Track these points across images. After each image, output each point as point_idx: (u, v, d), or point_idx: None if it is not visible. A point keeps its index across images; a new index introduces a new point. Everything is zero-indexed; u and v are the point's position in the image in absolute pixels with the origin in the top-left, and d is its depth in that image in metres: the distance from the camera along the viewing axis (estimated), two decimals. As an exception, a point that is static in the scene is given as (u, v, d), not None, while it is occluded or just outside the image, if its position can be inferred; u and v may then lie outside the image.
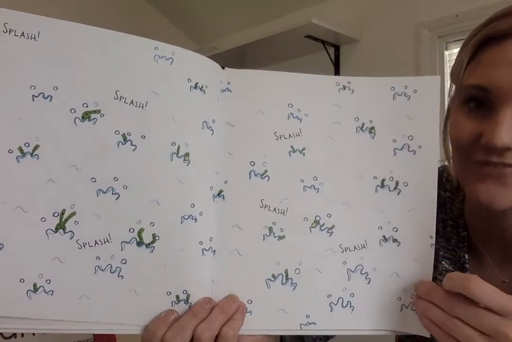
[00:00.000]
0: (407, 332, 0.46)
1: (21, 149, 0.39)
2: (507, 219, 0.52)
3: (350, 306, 0.46)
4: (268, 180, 0.46)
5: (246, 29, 2.53)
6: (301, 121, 0.47)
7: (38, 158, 0.39)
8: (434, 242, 0.46)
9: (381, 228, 0.47)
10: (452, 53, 1.93)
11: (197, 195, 0.44)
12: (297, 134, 0.47)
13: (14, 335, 0.53)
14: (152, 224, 0.42)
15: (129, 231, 0.41)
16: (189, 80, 0.44)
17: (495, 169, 0.46)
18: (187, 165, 0.43)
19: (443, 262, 0.58)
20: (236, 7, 2.47)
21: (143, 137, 0.42)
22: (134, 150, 0.42)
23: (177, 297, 0.42)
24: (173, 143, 0.43)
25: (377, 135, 0.47)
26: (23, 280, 0.38)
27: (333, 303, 0.46)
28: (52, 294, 0.39)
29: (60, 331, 0.40)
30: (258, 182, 0.46)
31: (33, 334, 0.54)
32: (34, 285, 0.39)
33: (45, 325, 0.39)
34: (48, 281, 0.39)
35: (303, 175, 0.47)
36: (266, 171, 0.46)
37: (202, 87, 0.45)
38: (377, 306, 0.46)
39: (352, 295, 0.46)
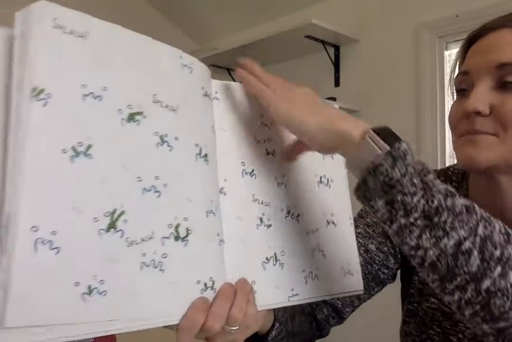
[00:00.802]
0: (347, 290, 0.59)
1: (74, 149, 0.38)
2: (506, 202, 0.60)
3: (317, 278, 0.56)
4: (255, 177, 0.53)
5: (246, 29, 2.53)
6: (269, 128, 0.56)
7: (91, 158, 0.39)
8: (352, 222, 0.62)
9: (325, 214, 0.59)
10: (452, 53, 1.93)
11: (214, 192, 0.49)
12: (268, 139, 0.55)
13: (14, 335, 0.53)
14: (185, 219, 0.44)
15: (168, 227, 0.43)
16: (202, 88, 0.50)
17: (469, 137, 0.57)
18: (206, 165, 0.48)
19: None
20: (236, 7, 2.47)
21: (176, 139, 0.45)
22: (170, 151, 0.44)
23: (205, 284, 0.45)
24: (197, 145, 0.47)
25: None
26: (78, 283, 0.37)
27: (307, 276, 0.55)
28: (105, 295, 0.38)
29: (112, 332, 0.39)
30: (248, 179, 0.53)
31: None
32: (89, 287, 0.38)
33: (99, 327, 0.38)
34: (101, 282, 0.38)
35: (276, 172, 0.55)
36: (253, 170, 0.53)
37: (208, 95, 0.51)
38: (331, 274, 0.58)
39: (316, 268, 0.56)
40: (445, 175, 0.71)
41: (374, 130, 0.46)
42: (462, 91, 0.60)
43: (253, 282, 0.50)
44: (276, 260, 0.53)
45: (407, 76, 2.00)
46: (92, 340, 0.57)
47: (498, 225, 0.44)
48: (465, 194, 0.67)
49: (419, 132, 1.94)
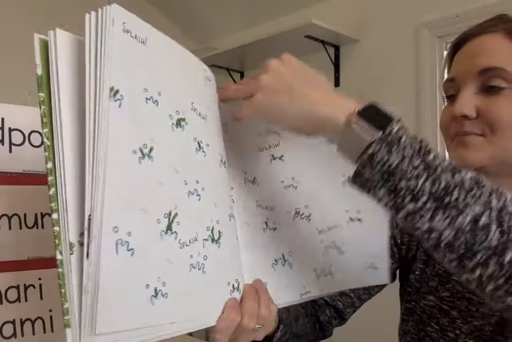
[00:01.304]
0: (369, 284, 0.60)
1: (141, 151, 0.39)
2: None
3: (330, 274, 0.56)
4: (257, 185, 0.55)
5: (246, 29, 2.53)
6: (278, 135, 0.55)
7: (153, 160, 0.39)
8: (387, 216, 0.57)
9: (348, 211, 0.57)
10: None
11: (230, 197, 0.51)
12: (276, 145, 0.56)
13: (14, 335, 0.53)
14: (217, 222, 0.46)
15: (206, 229, 0.44)
16: (217, 100, 0.52)
17: (459, 139, 0.60)
18: (225, 172, 0.50)
19: None
20: (236, 7, 2.47)
21: (207, 145, 0.47)
22: (204, 156, 0.46)
23: (233, 285, 0.46)
24: (220, 153, 0.49)
25: None
26: (148, 285, 0.37)
27: (319, 274, 0.56)
28: (167, 297, 0.38)
29: (174, 334, 0.39)
30: (251, 187, 0.54)
31: (33, 334, 0.55)
32: (155, 290, 0.38)
33: (161, 331, 0.38)
34: (163, 284, 0.38)
35: (283, 176, 0.55)
36: (254, 178, 0.55)
37: (216, 105, 0.52)
38: (350, 269, 0.57)
39: (330, 265, 0.56)
40: None
41: (360, 113, 0.43)
42: (451, 97, 0.63)
43: (266, 283, 0.52)
44: (284, 261, 0.54)
45: (407, 76, 2.00)
46: None
47: (509, 195, 0.43)
48: None
49: (419, 132, 1.94)
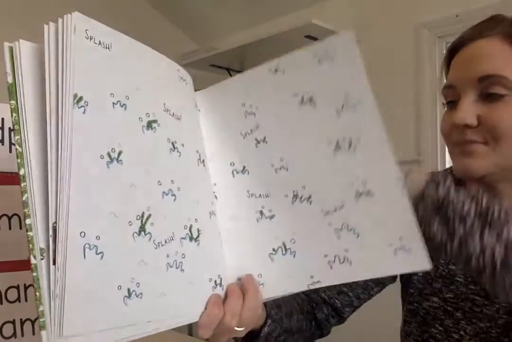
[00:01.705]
0: (407, 271, 0.49)
1: (109, 155, 0.39)
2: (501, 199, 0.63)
3: (348, 261, 0.49)
4: (248, 173, 0.53)
5: (246, 29, 2.53)
6: (255, 115, 0.53)
7: (122, 163, 0.40)
8: (401, 183, 0.47)
9: (352, 184, 0.49)
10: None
11: (212, 194, 0.52)
12: (256, 127, 0.52)
13: (14, 335, 0.53)
14: (196, 220, 0.46)
15: (184, 228, 0.45)
16: (194, 99, 0.52)
17: (463, 147, 0.60)
18: (205, 170, 0.50)
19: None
20: (236, 7, 2.47)
21: (182, 145, 0.47)
22: (179, 156, 0.47)
23: (215, 282, 0.47)
24: (197, 151, 0.49)
25: (317, 104, 0.50)
26: (120, 286, 0.38)
27: (331, 261, 0.49)
28: (141, 297, 0.39)
29: (150, 333, 0.40)
30: (241, 177, 0.53)
31: (33, 334, 0.54)
32: (128, 290, 0.39)
33: (139, 330, 0.39)
34: (137, 284, 0.39)
35: (271, 159, 0.52)
36: (244, 167, 0.53)
37: (197, 105, 0.53)
38: (372, 254, 0.49)
39: (346, 250, 0.49)
40: (445, 175, 0.72)
41: None
42: (450, 103, 0.63)
43: (260, 275, 0.51)
44: (285, 250, 0.51)
45: (407, 76, 1.99)
46: None
47: None
48: None
49: (419, 132, 1.94)
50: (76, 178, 0.36)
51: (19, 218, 0.55)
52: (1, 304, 0.53)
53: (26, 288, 0.54)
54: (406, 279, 0.73)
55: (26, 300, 0.54)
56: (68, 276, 0.35)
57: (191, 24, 2.68)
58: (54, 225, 0.35)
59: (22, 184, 0.36)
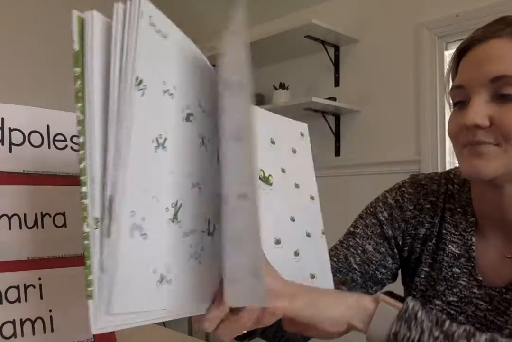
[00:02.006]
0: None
1: (157, 140, 0.40)
2: (506, 202, 0.62)
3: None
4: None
5: (246, 29, 2.53)
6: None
7: (166, 150, 0.41)
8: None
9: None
10: (452, 53, 1.93)
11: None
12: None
13: (14, 335, 0.53)
14: (213, 215, 0.47)
15: (205, 222, 0.46)
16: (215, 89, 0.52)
17: (473, 148, 0.59)
18: (218, 169, 0.50)
19: (449, 245, 0.68)
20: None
21: (208, 141, 0.48)
22: (206, 151, 0.48)
23: (221, 276, 0.47)
24: (216, 150, 0.50)
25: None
26: (155, 270, 0.39)
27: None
28: (170, 283, 0.40)
29: (156, 321, 0.41)
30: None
31: (33, 334, 0.55)
32: (161, 275, 0.39)
33: (150, 315, 0.40)
34: (168, 270, 0.40)
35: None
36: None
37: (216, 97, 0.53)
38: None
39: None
40: (447, 177, 0.72)
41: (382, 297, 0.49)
42: (459, 103, 0.62)
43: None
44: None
45: (407, 76, 2.00)
46: (93, 340, 0.57)
47: None
48: (468, 197, 0.69)
49: (419, 132, 1.94)
50: (133, 156, 0.37)
51: (19, 218, 0.55)
52: (1, 304, 0.53)
53: (26, 288, 0.54)
54: (408, 281, 0.73)
55: (26, 300, 0.54)
56: (119, 253, 0.35)
57: (191, 24, 2.68)
58: (110, 197, 0.36)
59: (81, 152, 0.37)
